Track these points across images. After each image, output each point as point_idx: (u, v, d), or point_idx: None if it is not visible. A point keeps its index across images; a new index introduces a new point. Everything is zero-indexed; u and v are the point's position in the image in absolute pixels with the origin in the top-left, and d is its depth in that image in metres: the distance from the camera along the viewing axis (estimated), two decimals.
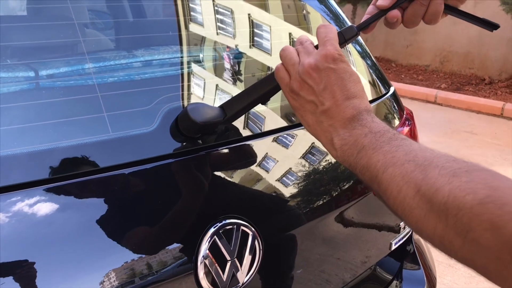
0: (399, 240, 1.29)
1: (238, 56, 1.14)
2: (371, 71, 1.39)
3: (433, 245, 0.57)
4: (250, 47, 1.19)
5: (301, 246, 1.02)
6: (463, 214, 0.50)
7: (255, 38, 1.20)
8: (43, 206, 0.72)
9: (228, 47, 1.14)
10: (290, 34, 1.30)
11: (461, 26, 6.96)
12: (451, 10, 0.85)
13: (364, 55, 1.43)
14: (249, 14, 1.24)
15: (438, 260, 2.81)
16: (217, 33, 1.13)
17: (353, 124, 0.68)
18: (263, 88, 0.85)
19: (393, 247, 1.27)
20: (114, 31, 1.05)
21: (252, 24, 1.22)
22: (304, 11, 1.41)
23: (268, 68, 1.19)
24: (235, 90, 1.05)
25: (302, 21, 1.39)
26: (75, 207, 0.76)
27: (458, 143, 4.70)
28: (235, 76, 1.10)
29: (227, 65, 1.10)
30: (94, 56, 0.91)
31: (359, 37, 1.50)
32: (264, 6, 1.32)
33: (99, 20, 1.04)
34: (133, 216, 0.80)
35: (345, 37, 0.80)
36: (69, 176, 0.75)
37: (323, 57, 0.71)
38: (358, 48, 1.43)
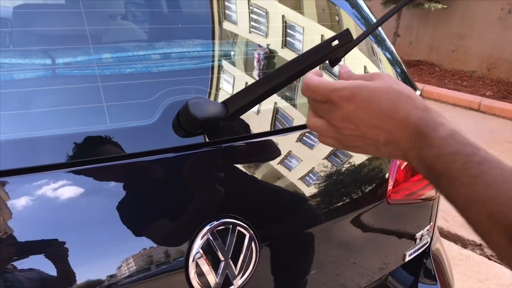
0: (414, 252, 1.23)
1: (266, 55, 1.11)
2: (400, 80, 1.33)
3: None
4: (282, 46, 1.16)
5: (305, 251, 0.99)
6: None
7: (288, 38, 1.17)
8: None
9: (259, 46, 1.12)
10: (322, 36, 1.26)
11: (511, 32, 6.66)
12: None
13: (393, 62, 1.37)
14: (280, 14, 1.22)
15: (467, 274, 2.70)
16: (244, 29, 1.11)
17: (420, 144, 0.56)
18: (268, 84, 0.81)
19: (407, 258, 1.21)
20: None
21: (285, 25, 1.20)
22: (337, 17, 1.37)
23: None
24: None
25: (335, 24, 1.35)
26: (68, 199, 0.75)
27: (500, 154, 4.49)
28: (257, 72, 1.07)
29: (255, 63, 1.08)
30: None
31: (389, 43, 1.44)
32: (298, 7, 1.29)
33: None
34: (126, 209, 0.78)
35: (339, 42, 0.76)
36: (59, 165, 0.74)
37: (338, 108, 0.61)
38: (388, 55, 1.38)
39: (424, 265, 1.31)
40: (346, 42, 0.76)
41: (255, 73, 1.08)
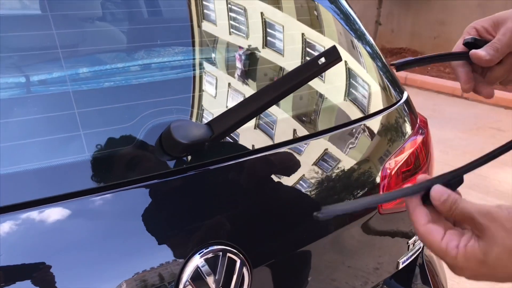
0: (407, 259, 1.21)
1: (247, 57, 1.07)
2: (382, 75, 1.30)
3: None
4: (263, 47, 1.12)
5: (298, 269, 0.96)
6: None
7: (268, 38, 1.13)
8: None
9: (240, 47, 1.08)
10: (303, 34, 1.23)
11: None
12: None
13: (374, 56, 1.34)
14: (261, 13, 1.18)
15: None
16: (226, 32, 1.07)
17: None
18: (254, 104, 0.78)
19: (401, 266, 1.20)
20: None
21: (265, 24, 1.16)
22: (316, 12, 1.33)
23: (280, 68, 1.12)
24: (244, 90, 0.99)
25: (315, 22, 1.31)
26: (58, 228, 0.71)
27: (484, 139, 4.52)
28: (246, 77, 1.03)
29: (237, 63, 1.04)
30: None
31: (369, 37, 1.41)
32: (278, 6, 1.24)
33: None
34: (112, 240, 0.75)
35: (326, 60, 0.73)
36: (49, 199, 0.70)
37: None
38: (368, 49, 1.35)
39: (417, 272, 1.30)
40: (333, 60, 0.74)
41: (237, 75, 1.04)
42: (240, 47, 1.09)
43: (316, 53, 1.18)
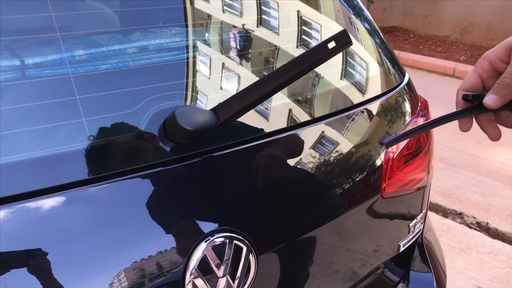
0: (408, 241, 1.22)
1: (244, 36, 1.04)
2: (384, 57, 1.28)
3: None
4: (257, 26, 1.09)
5: (303, 254, 0.96)
6: None
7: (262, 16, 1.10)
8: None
9: (234, 26, 1.05)
10: (298, 11, 1.20)
11: None
12: None
13: (372, 32, 1.31)
14: None
15: (450, 244, 2.74)
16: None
17: None
18: (262, 89, 0.76)
19: (402, 249, 1.20)
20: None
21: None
22: None
23: (275, 47, 1.09)
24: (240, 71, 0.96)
25: (312, 1, 1.28)
26: (62, 217, 0.69)
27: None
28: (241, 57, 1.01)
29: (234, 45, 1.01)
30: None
31: (367, 13, 1.38)
32: None
33: None
34: (117, 229, 0.73)
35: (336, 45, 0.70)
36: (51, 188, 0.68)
37: None
38: (367, 25, 1.32)
39: (416, 254, 1.30)
40: (343, 44, 0.71)
41: (233, 55, 1.01)
42: (234, 26, 1.06)
43: (312, 31, 1.16)
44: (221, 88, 0.95)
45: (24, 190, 0.66)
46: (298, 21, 1.18)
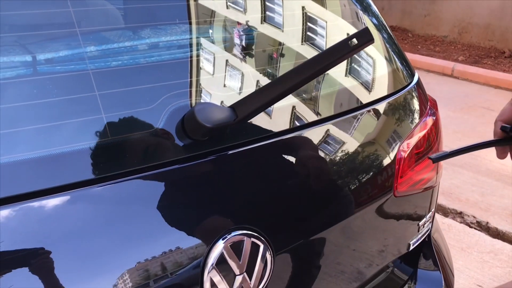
0: (417, 240, 1.22)
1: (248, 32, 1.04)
2: (394, 55, 1.28)
3: None
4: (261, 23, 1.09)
5: (318, 252, 0.96)
6: None
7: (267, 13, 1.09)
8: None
9: (238, 23, 1.04)
10: (303, 7, 1.19)
11: None
12: None
13: (380, 27, 1.30)
14: None
15: (450, 243, 2.75)
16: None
17: None
18: (281, 86, 0.76)
19: (411, 248, 1.20)
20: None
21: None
22: None
23: (280, 43, 1.09)
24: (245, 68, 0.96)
25: None
26: (81, 214, 0.69)
27: (474, 119, 4.56)
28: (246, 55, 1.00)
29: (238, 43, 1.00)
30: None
31: (375, 8, 1.37)
32: None
33: None
34: (136, 226, 0.73)
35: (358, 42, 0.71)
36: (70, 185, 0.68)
37: None
38: (375, 21, 1.31)
39: (425, 252, 1.31)
40: (365, 41, 0.71)
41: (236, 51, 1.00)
42: (239, 23, 1.05)
43: (317, 28, 1.15)
44: (241, 84, 0.94)
45: (46, 186, 0.66)
46: (302, 16, 1.17)
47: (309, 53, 1.08)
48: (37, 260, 0.64)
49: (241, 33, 1.04)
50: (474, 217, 3.02)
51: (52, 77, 0.75)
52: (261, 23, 1.08)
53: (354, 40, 0.71)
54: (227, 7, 1.05)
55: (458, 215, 3.07)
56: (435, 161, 0.93)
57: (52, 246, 0.65)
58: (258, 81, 0.97)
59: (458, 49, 6.99)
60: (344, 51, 0.72)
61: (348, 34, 1.19)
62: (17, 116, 0.69)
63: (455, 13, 7.17)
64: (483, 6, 6.78)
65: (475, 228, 2.95)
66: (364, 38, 0.71)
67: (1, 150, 0.64)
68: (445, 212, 3.10)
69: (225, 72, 0.95)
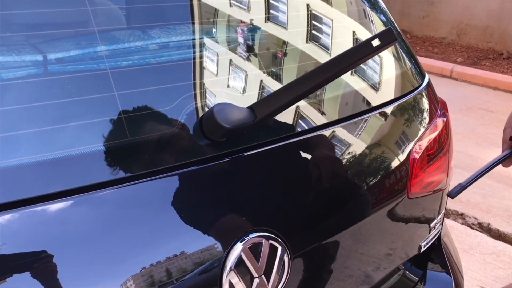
0: (428, 242, 1.22)
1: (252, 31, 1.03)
2: (405, 57, 1.28)
3: None
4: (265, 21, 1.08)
5: (333, 255, 0.95)
6: None
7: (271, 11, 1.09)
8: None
9: (242, 22, 1.03)
10: (308, 5, 1.18)
11: None
12: None
13: (388, 25, 1.30)
14: None
15: None
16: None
17: None
18: (301, 87, 0.75)
19: (423, 249, 1.20)
20: None
21: None
22: None
23: (284, 42, 1.08)
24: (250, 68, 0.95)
25: None
26: (99, 216, 0.68)
27: (474, 120, 4.58)
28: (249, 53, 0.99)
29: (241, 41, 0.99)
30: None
31: (383, 5, 1.36)
32: None
33: None
34: (153, 228, 0.72)
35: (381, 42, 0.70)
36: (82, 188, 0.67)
37: None
38: (383, 17, 1.31)
39: (435, 254, 1.30)
40: (388, 42, 0.71)
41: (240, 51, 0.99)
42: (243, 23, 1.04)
43: (321, 25, 1.14)
44: (261, 84, 0.94)
45: (74, 186, 0.65)
46: (307, 15, 1.16)
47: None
48: (59, 265, 0.63)
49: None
50: (475, 218, 3.02)
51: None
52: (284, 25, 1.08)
53: (377, 41, 0.71)
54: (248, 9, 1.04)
55: (460, 217, 3.07)
56: (454, 196, 0.94)
57: (85, 246, 0.64)
58: (277, 82, 0.96)
59: (456, 50, 7.01)
60: (367, 51, 0.71)
61: (353, 32, 1.19)
62: (35, 117, 0.68)
63: (453, 15, 7.19)
64: (482, 7, 6.80)
65: (476, 230, 2.95)
66: (388, 38, 0.70)
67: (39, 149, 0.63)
68: (446, 213, 3.10)
69: (245, 73, 0.94)
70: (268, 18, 1.07)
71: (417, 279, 1.24)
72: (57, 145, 0.67)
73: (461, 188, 0.90)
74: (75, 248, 0.64)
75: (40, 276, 0.62)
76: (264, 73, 0.97)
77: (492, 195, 3.28)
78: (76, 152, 0.68)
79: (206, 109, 0.82)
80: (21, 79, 0.69)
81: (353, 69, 1.12)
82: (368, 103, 1.09)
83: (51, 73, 0.73)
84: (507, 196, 3.25)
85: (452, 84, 5.87)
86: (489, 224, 2.94)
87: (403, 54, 1.27)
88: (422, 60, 6.44)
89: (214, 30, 0.97)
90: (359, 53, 0.72)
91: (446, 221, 3.03)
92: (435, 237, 1.27)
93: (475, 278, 2.47)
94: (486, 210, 3.11)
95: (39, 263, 0.62)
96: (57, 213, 0.65)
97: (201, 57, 0.90)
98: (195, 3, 0.95)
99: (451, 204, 3.14)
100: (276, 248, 0.80)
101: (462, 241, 2.80)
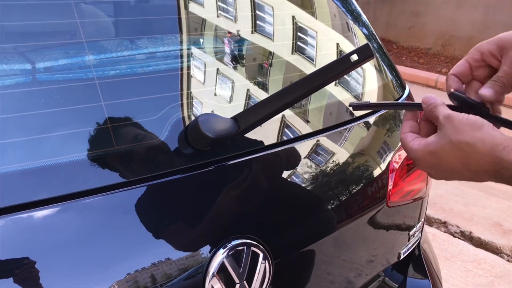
0: (408, 250, 1.25)
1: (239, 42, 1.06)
2: (386, 68, 1.32)
3: None
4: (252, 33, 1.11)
5: (313, 261, 0.98)
6: None
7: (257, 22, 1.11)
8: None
9: (229, 32, 1.06)
10: (293, 17, 1.21)
11: (465, 10, 6.83)
12: None
13: (370, 37, 1.33)
14: None
15: (435, 252, 2.80)
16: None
17: (499, 174, 0.61)
18: (282, 99, 0.78)
19: (402, 257, 1.23)
20: None
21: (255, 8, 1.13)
22: None
23: (270, 53, 1.11)
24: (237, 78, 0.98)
25: (307, 5, 1.28)
26: (84, 223, 0.70)
27: None
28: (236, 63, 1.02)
29: (228, 52, 1.02)
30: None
31: (365, 18, 1.40)
32: None
33: None
34: (136, 235, 0.74)
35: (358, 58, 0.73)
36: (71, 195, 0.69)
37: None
38: (365, 31, 1.34)
39: (415, 261, 1.34)
40: (366, 57, 0.74)
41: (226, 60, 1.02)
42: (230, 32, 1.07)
43: (306, 37, 1.17)
44: (248, 94, 0.96)
45: (54, 195, 0.67)
46: (293, 26, 1.19)
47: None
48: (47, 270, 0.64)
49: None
50: (458, 226, 3.07)
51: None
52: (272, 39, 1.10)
53: (355, 56, 0.74)
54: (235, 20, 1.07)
55: (442, 225, 3.12)
56: (355, 108, 0.84)
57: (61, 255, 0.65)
58: (264, 92, 0.99)
59: (441, 61, 7.12)
60: (345, 66, 0.75)
61: (337, 44, 1.22)
62: (22, 125, 0.70)
63: (438, 26, 7.31)
64: (466, 19, 6.93)
65: (458, 238, 3.00)
66: (365, 54, 0.73)
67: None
68: (429, 221, 3.15)
69: (232, 83, 0.97)
70: (255, 29, 1.10)
71: (397, 285, 1.27)
72: (44, 153, 0.69)
73: (366, 105, 0.83)
74: (61, 255, 0.66)
75: (24, 283, 0.64)
76: (250, 83, 1.00)
77: (474, 203, 3.33)
78: (63, 160, 0.70)
79: (192, 119, 0.85)
80: (10, 88, 0.71)
81: (337, 81, 1.16)
82: (349, 114, 1.12)
83: (39, 82, 0.74)
84: (489, 205, 3.31)
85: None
86: (471, 232, 2.99)
87: (384, 66, 1.31)
88: (407, 70, 6.54)
89: (201, 40, 1.00)
90: (338, 67, 0.75)
91: (429, 229, 3.07)
92: (415, 245, 1.30)
93: (456, 286, 2.51)
94: (468, 218, 3.16)
95: (24, 270, 0.64)
96: (43, 220, 0.66)
97: (188, 68, 0.93)
98: (182, 14, 0.97)
99: (434, 212, 3.19)
100: (258, 255, 0.82)
101: (444, 249, 2.85)
